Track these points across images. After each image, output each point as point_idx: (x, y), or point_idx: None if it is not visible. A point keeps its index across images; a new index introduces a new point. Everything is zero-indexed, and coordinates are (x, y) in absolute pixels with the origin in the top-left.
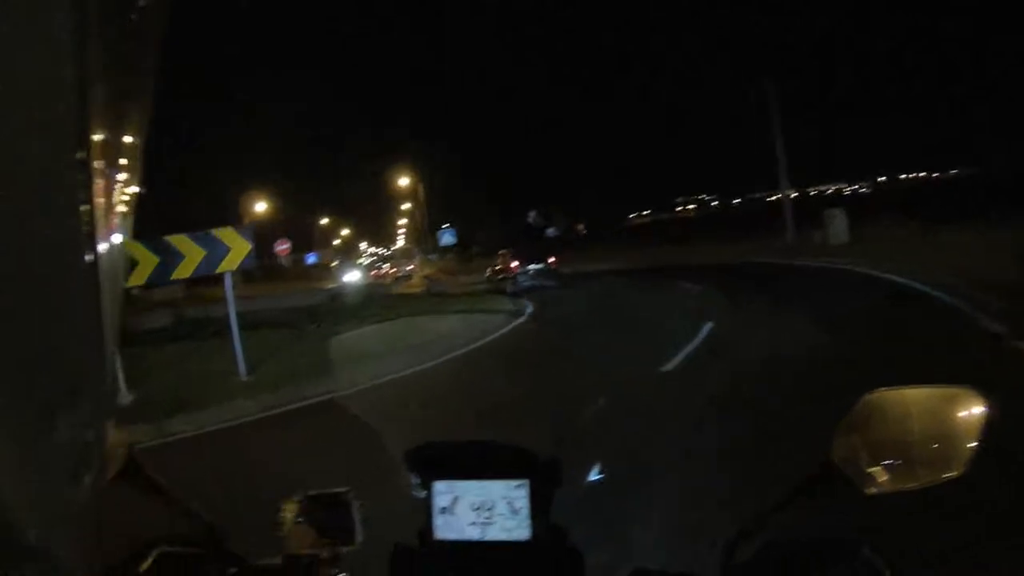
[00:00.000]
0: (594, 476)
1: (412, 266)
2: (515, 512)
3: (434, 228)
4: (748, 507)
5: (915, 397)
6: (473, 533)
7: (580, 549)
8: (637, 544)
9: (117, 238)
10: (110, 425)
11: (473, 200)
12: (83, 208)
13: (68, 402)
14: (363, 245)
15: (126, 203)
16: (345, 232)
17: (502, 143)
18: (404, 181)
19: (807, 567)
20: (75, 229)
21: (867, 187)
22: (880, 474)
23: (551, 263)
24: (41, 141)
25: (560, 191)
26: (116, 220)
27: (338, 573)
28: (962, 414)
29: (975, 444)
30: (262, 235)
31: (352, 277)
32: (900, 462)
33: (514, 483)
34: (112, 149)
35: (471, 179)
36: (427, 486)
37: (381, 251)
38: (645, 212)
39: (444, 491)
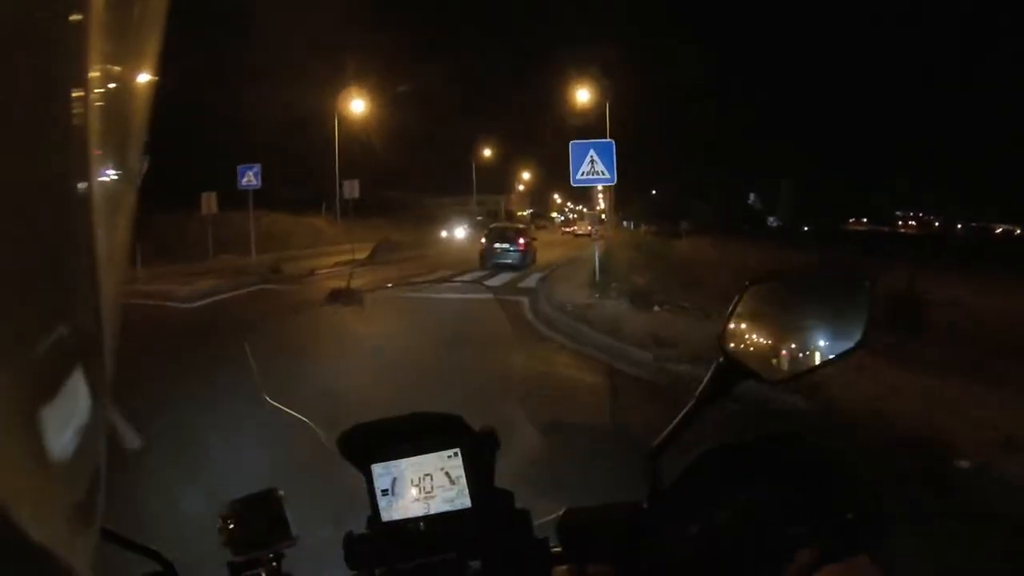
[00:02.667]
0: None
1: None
2: (453, 482)
3: (643, 192)
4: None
5: (799, 282)
6: (418, 509)
7: (524, 507)
8: (577, 489)
9: (122, 220)
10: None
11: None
12: (81, 191)
13: (65, 384)
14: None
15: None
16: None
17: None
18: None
19: (741, 472)
20: (73, 212)
21: None
22: (778, 358)
23: (520, 244)
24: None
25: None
26: (118, 201)
27: (282, 571)
28: (849, 292)
29: (866, 316)
30: None
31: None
32: (795, 348)
33: (447, 453)
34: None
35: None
36: (365, 470)
37: (581, 209)
38: (863, 219)
39: (382, 473)
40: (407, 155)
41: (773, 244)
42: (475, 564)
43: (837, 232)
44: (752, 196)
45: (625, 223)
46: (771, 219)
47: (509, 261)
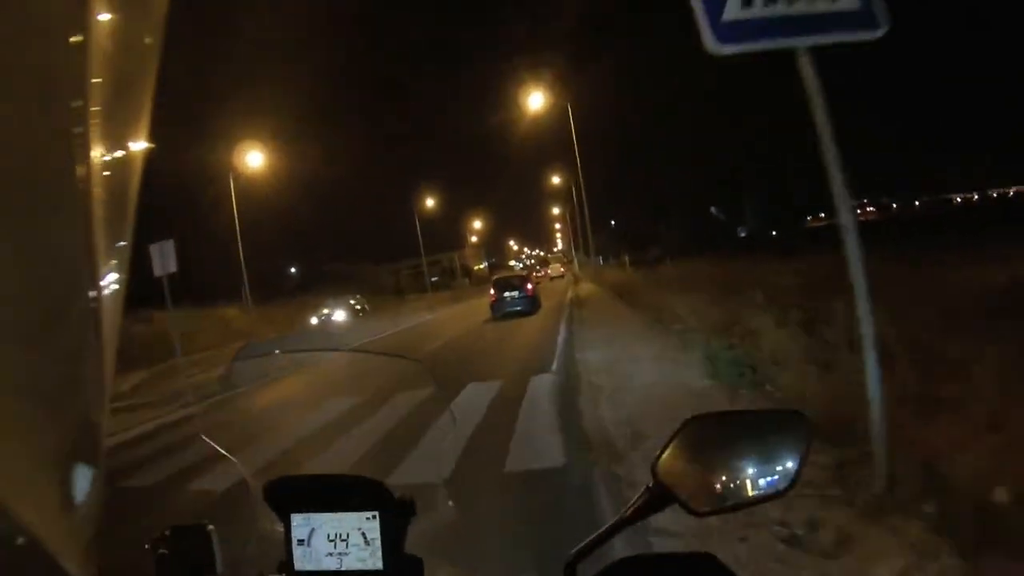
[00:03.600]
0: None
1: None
2: (368, 543)
3: (603, 221)
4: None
5: (739, 420)
6: (330, 564)
7: None
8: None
9: (122, 243)
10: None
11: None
12: (81, 208)
13: (66, 398)
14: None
15: (126, 210)
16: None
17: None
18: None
19: None
20: (74, 231)
21: None
22: (709, 492)
23: (528, 290)
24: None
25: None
26: (117, 223)
27: None
28: (786, 432)
29: (799, 464)
30: None
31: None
32: (727, 481)
33: (366, 515)
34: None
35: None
36: (285, 518)
37: (538, 253)
38: (821, 215)
39: (301, 524)
40: (340, 220)
41: (754, 257)
42: None
43: (803, 232)
44: (714, 209)
45: (592, 258)
46: (739, 229)
47: (519, 308)
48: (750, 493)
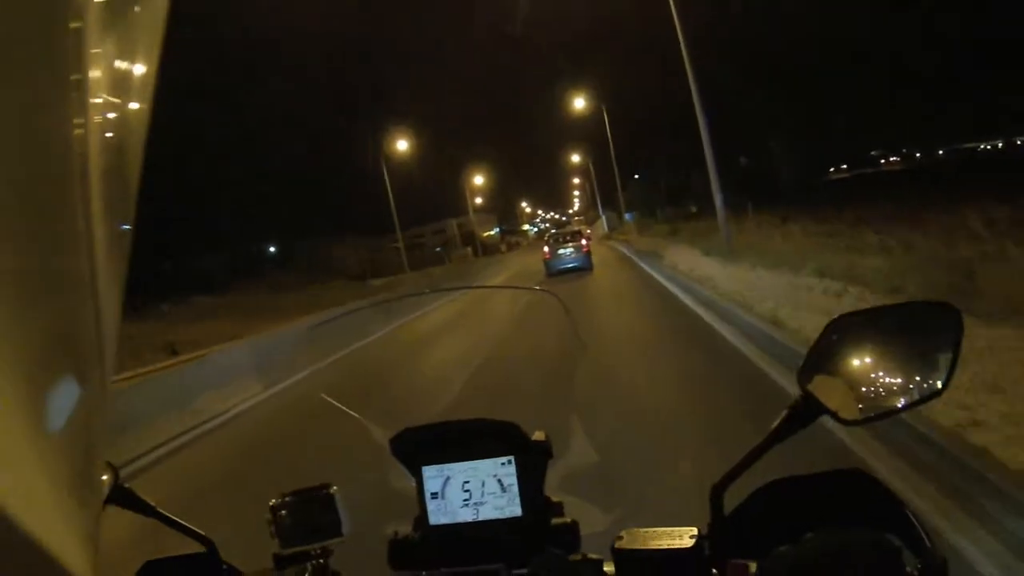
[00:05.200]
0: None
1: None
2: (505, 490)
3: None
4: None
5: (883, 317)
6: (466, 515)
7: (574, 519)
8: (631, 507)
9: (125, 225)
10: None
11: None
12: (79, 194)
13: (65, 394)
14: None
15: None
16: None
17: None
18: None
19: (802, 504)
20: (72, 208)
21: None
22: (860, 400)
23: (584, 247)
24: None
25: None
26: (115, 204)
27: (329, 567)
28: (937, 327)
29: (953, 356)
30: None
31: None
32: (878, 385)
33: (500, 460)
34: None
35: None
36: (416, 472)
37: (553, 216)
38: (843, 167)
39: (433, 475)
40: (326, 184)
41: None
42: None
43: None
44: (743, 159)
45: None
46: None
47: (575, 264)
48: (903, 397)
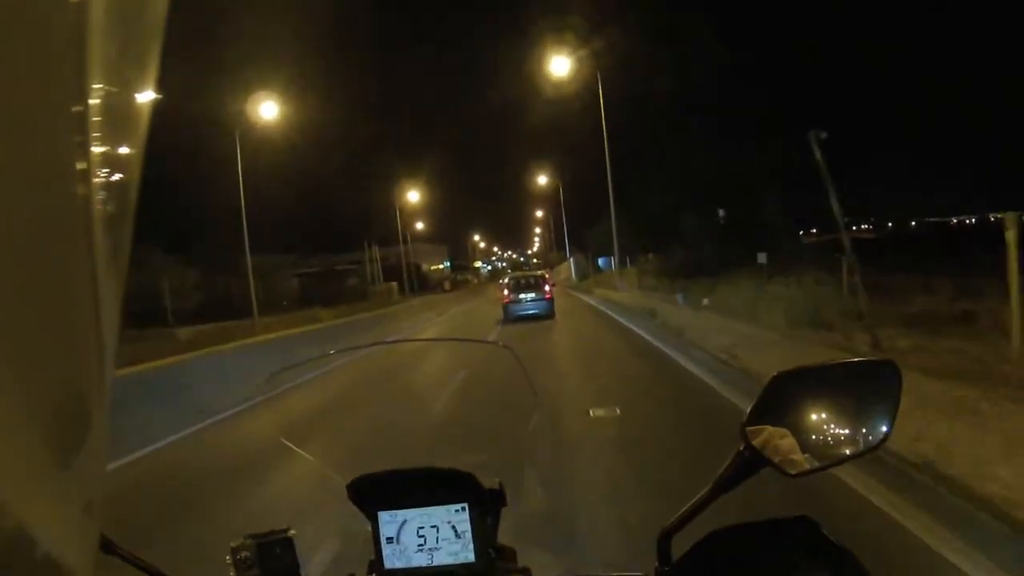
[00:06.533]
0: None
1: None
2: (459, 536)
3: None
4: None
5: (827, 373)
6: (421, 560)
7: (526, 566)
8: (580, 555)
9: (124, 243)
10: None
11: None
12: (79, 213)
13: (66, 394)
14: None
15: (122, 204)
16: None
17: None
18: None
19: (747, 550)
20: (73, 215)
21: None
22: (805, 450)
23: (546, 292)
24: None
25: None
26: (115, 225)
27: None
28: (876, 381)
29: (892, 414)
30: None
31: None
32: (819, 439)
33: (455, 507)
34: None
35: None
36: (372, 517)
37: (510, 255)
38: (812, 231)
39: (389, 520)
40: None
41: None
42: None
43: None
44: (721, 212)
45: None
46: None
47: (535, 311)
48: (845, 449)
